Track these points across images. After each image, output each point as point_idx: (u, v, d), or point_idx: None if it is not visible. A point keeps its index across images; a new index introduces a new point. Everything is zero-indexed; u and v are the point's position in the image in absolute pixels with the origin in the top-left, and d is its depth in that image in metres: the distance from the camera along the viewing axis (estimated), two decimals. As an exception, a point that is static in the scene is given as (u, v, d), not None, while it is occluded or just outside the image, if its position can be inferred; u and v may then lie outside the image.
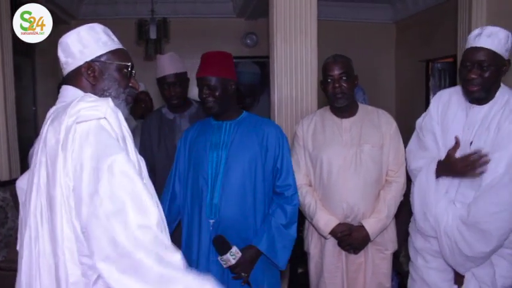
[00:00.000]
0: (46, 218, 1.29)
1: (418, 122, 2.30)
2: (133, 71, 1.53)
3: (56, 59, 1.50)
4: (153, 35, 4.96)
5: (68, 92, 1.44)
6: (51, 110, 1.41)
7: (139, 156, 1.43)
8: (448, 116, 2.15)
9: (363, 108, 2.45)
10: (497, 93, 2.05)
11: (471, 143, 2.04)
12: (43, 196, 1.30)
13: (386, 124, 2.38)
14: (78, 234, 1.26)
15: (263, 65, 5.99)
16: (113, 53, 1.48)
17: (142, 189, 1.26)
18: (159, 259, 1.21)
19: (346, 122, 2.39)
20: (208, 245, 2.14)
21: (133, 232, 1.20)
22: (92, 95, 1.38)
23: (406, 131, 2.42)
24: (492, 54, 1.96)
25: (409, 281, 2.35)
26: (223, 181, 2.15)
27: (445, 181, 2.10)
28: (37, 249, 1.30)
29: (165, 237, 1.30)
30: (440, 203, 2.08)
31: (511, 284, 2.07)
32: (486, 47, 1.96)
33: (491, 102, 2.05)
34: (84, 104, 1.29)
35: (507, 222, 1.94)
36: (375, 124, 2.38)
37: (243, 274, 2.11)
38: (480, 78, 1.97)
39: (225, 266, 2.11)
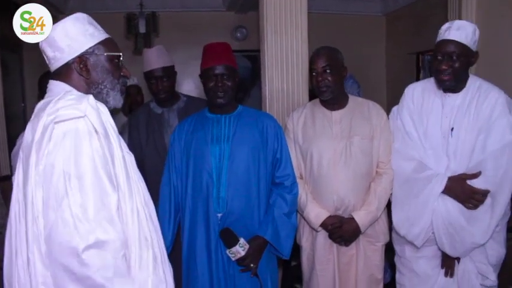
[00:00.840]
0: (23, 215, 1.27)
1: (393, 118, 2.36)
2: (121, 59, 1.51)
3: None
4: (142, 29, 4.93)
5: (57, 87, 1.41)
6: (38, 105, 1.38)
7: (126, 151, 1.41)
8: (424, 106, 2.25)
9: (353, 100, 2.44)
10: (468, 82, 2.19)
11: (452, 129, 2.15)
12: (20, 192, 1.28)
13: (377, 116, 2.38)
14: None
15: (254, 59, 5.96)
16: (102, 44, 1.45)
17: (114, 203, 1.27)
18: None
19: (336, 114, 2.39)
20: (216, 239, 2.15)
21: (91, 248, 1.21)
22: (73, 93, 1.35)
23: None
24: (461, 46, 2.09)
25: (397, 276, 2.41)
26: (228, 174, 2.15)
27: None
28: (15, 246, 1.29)
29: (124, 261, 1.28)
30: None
31: (496, 260, 2.19)
32: (455, 40, 2.09)
33: (464, 90, 2.18)
34: (64, 102, 1.26)
35: (504, 201, 2.09)
36: (365, 116, 2.37)
37: (252, 265, 2.12)
38: (451, 68, 2.09)
39: (234, 258, 2.11)
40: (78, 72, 1.40)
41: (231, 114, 2.25)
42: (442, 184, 2.12)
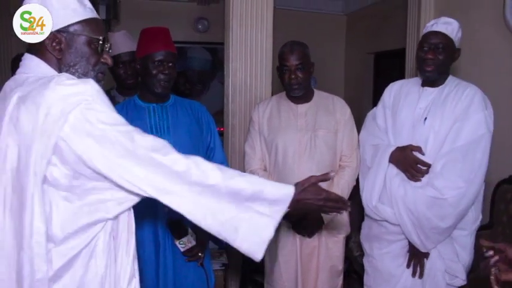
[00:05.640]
0: (9, 207, 1.17)
1: (371, 112, 2.40)
2: (106, 45, 1.38)
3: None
4: (102, 15, 4.76)
5: (32, 62, 1.30)
6: (11, 83, 1.28)
7: None
8: (400, 99, 2.26)
9: (318, 94, 2.47)
10: (448, 79, 2.21)
11: (425, 119, 2.16)
12: (8, 182, 1.18)
13: (341, 110, 2.42)
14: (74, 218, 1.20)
15: (214, 51, 5.92)
16: (84, 23, 1.31)
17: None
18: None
19: (302, 108, 2.41)
20: (164, 232, 2.09)
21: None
22: (69, 76, 1.25)
23: (354, 121, 2.49)
24: (447, 39, 2.12)
25: (365, 277, 2.40)
26: None
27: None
28: None
29: None
30: (394, 181, 2.16)
31: (463, 262, 2.15)
32: (442, 32, 2.12)
33: (442, 86, 2.20)
34: (67, 88, 1.16)
35: (472, 194, 2.06)
36: (329, 110, 2.41)
37: (200, 254, 2.11)
38: (436, 59, 2.11)
39: (183, 249, 2.07)
40: (50, 50, 1.30)
41: (166, 103, 2.18)
42: (388, 152, 2.15)
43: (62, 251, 1.21)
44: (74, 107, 1.14)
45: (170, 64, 2.09)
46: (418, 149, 2.13)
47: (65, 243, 1.21)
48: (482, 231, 3.11)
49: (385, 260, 2.26)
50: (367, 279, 2.38)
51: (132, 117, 2.10)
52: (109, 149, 1.17)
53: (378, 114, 2.33)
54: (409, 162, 2.12)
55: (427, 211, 2.06)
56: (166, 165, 1.21)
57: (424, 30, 2.20)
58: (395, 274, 2.23)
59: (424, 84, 2.23)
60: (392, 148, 2.18)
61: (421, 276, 2.16)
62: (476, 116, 2.07)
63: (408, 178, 2.14)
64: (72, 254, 1.22)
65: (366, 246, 2.37)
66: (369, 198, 2.23)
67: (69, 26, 1.29)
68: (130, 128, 1.22)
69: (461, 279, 2.14)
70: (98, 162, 1.17)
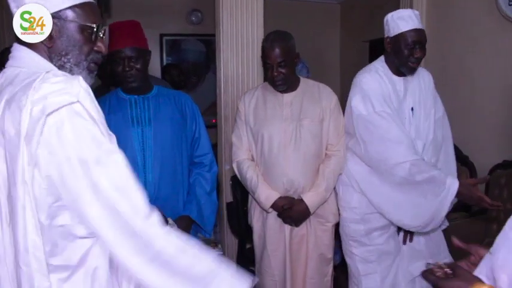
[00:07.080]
0: (6, 221, 1.11)
1: (369, 112, 2.23)
2: (101, 32, 1.27)
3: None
4: (93, 9, 4.76)
5: (22, 54, 1.22)
6: (1, 80, 1.20)
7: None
8: (388, 90, 2.27)
9: (304, 82, 2.46)
10: None
11: (412, 109, 2.29)
12: (3, 194, 1.11)
13: (327, 98, 2.41)
14: (48, 237, 1.10)
15: (208, 43, 5.90)
16: (77, 8, 1.21)
17: (133, 177, 1.20)
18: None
19: (287, 97, 2.40)
20: None
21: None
22: (57, 73, 1.14)
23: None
24: (425, 34, 2.22)
25: (363, 268, 2.39)
26: (154, 158, 2.09)
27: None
28: None
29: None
30: None
31: None
32: (423, 29, 2.20)
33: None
34: (50, 87, 1.07)
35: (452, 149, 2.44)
36: (315, 98, 2.40)
37: None
38: (423, 56, 2.22)
39: None
40: None
41: (148, 94, 2.17)
42: (454, 191, 2.05)
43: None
44: (55, 108, 1.06)
45: (133, 59, 2.05)
46: (484, 180, 2.33)
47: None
48: (478, 216, 3.15)
49: (390, 241, 2.36)
50: (368, 268, 2.37)
51: (114, 109, 2.11)
52: (74, 177, 1.09)
53: (390, 106, 2.22)
54: (475, 200, 2.09)
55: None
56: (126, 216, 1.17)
57: (405, 23, 2.16)
58: (400, 247, 2.38)
59: (397, 74, 2.30)
60: (456, 185, 2.06)
61: (411, 240, 2.37)
62: (437, 97, 2.38)
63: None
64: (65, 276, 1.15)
65: (364, 239, 2.37)
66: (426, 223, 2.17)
67: (60, 11, 1.20)
68: (110, 148, 1.14)
69: (445, 224, 2.33)
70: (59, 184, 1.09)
